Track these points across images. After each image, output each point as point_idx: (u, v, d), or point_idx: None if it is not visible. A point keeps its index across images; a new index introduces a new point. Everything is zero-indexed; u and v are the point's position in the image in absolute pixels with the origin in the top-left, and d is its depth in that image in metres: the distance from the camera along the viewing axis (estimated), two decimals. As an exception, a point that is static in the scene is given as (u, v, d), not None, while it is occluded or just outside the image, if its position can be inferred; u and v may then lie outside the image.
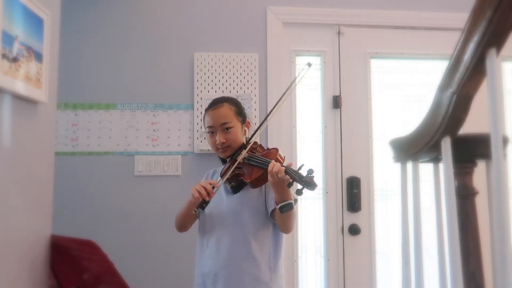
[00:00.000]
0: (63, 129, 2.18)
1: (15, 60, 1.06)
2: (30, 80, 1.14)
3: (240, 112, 1.56)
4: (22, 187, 1.16)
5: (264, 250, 1.47)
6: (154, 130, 2.21)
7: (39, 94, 1.20)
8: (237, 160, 1.46)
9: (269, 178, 1.32)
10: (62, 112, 2.18)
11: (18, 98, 1.12)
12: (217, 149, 1.53)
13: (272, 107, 1.56)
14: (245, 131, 1.56)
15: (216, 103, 1.55)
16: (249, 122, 1.60)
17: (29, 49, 1.14)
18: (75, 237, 1.30)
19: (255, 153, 1.50)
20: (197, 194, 1.39)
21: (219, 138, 1.49)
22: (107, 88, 2.22)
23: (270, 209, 1.47)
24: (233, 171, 1.45)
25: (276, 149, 1.48)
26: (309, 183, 1.25)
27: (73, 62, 2.19)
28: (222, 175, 1.51)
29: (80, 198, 2.14)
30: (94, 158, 2.18)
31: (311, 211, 2.29)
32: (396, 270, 2.28)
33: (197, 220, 1.59)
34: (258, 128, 1.56)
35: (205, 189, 1.38)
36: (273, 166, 1.31)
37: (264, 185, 1.48)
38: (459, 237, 0.78)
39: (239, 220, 1.48)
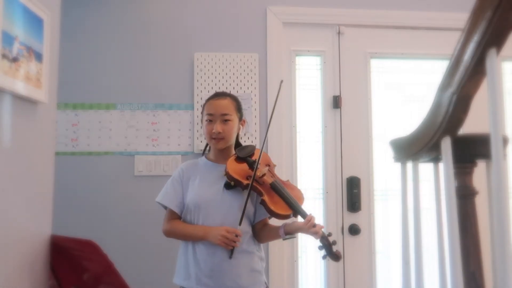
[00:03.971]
0: (63, 129, 2.18)
1: (15, 60, 1.06)
2: (30, 80, 1.14)
3: (239, 109, 1.62)
4: (22, 187, 1.16)
5: (254, 242, 1.56)
6: (154, 130, 2.21)
7: (39, 94, 1.20)
8: (255, 175, 1.48)
9: (303, 226, 1.45)
10: (62, 112, 2.18)
11: (18, 98, 1.12)
12: (212, 138, 1.55)
13: (270, 113, 1.59)
14: (239, 128, 1.62)
15: (220, 95, 1.62)
16: (244, 121, 1.66)
17: (29, 49, 1.14)
18: (75, 237, 1.30)
19: (276, 178, 1.55)
20: (229, 247, 1.44)
21: (217, 127, 1.53)
22: (107, 88, 2.22)
23: (259, 219, 1.56)
24: (252, 186, 1.47)
25: (301, 193, 1.58)
26: (336, 257, 1.44)
27: (73, 62, 2.19)
28: (230, 171, 1.50)
29: (80, 198, 2.14)
30: (94, 158, 2.18)
31: (311, 211, 2.28)
32: (396, 270, 2.28)
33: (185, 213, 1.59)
34: (264, 140, 1.62)
35: (233, 240, 1.44)
36: (318, 226, 1.46)
37: (255, 194, 1.53)
38: (459, 237, 0.78)
39: (235, 215, 1.49)
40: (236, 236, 1.43)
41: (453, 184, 0.80)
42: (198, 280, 1.49)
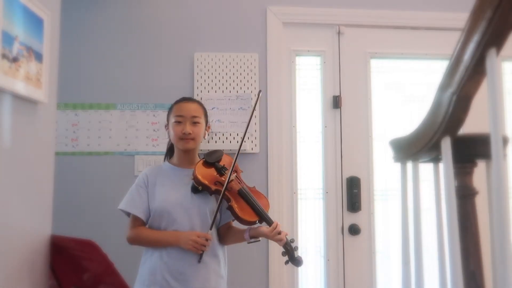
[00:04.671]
0: (63, 129, 2.18)
1: (15, 60, 1.06)
2: (30, 80, 1.14)
3: (206, 115, 1.65)
4: (22, 187, 1.16)
5: (221, 247, 1.58)
6: (154, 130, 2.21)
7: (39, 94, 1.20)
8: (224, 180, 1.51)
9: (269, 233, 1.48)
10: (62, 112, 2.17)
11: (18, 98, 1.12)
12: (181, 139, 1.55)
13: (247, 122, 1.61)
14: (205, 133, 1.64)
15: (188, 99, 1.65)
16: (209, 127, 1.69)
17: (29, 49, 1.14)
18: (75, 237, 1.30)
19: (243, 185, 1.58)
20: (199, 251, 1.45)
21: (187, 128, 1.54)
22: (107, 88, 2.22)
23: (224, 222, 1.59)
24: (222, 193, 1.49)
25: (267, 200, 1.61)
26: (298, 262, 1.51)
27: (73, 62, 2.19)
28: (199, 174, 1.50)
29: (80, 198, 2.14)
30: (94, 158, 2.18)
31: (311, 211, 2.29)
32: (396, 270, 2.28)
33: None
34: (241, 143, 1.60)
35: (204, 244, 1.45)
36: (282, 234, 1.49)
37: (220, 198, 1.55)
38: (459, 237, 0.78)
39: (205, 219, 1.51)
40: (207, 240, 1.45)
41: (453, 184, 0.81)
42: (167, 284, 1.47)
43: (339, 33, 2.34)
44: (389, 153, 1.06)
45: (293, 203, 2.25)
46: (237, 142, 2.18)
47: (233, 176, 1.54)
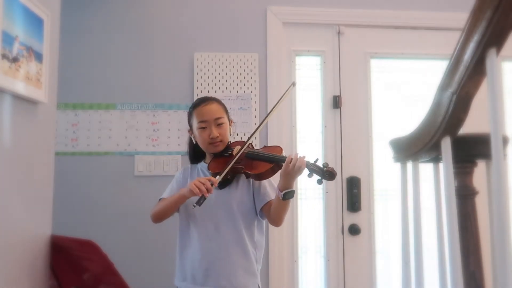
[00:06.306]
0: (63, 129, 2.18)
1: (15, 60, 1.06)
2: (30, 80, 1.14)
3: (226, 111, 1.62)
4: (22, 187, 1.16)
5: (252, 243, 1.53)
6: (154, 130, 2.21)
7: (39, 94, 1.20)
8: (234, 155, 1.50)
9: (287, 168, 1.38)
10: (62, 112, 2.17)
11: (18, 98, 1.12)
12: (210, 144, 1.53)
13: (270, 109, 1.61)
14: (229, 129, 1.61)
15: (206, 100, 1.58)
16: (231, 121, 1.65)
17: (29, 49, 1.14)
18: (75, 237, 1.30)
19: (253, 148, 1.58)
20: (197, 190, 1.38)
21: (214, 132, 1.52)
22: (107, 88, 2.22)
23: (261, 204, 1.52)
24: (232, 166, 1.48)
25: (281, 148, 1.56)
26: (330, 174, 1.40)
27: (73, 62, 2.19)
28: (211, 169, 1.52)
29: (80, 198, 2.14)
30: (94, 158, 2.18)
31: (311, 211, 2.29)
32: (396, 270, 2.28)
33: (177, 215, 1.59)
34: (258, 126, 1.60)
35: (205, 185, 1.38)
36: (295, 159, 1.38)
37: (251, 182, 1.54)
38: (459, 237, 0.78)
39: (231, 214, 1.50)
40: (212, 185, 1.39)
41: (453, 184, 0.81)
42: (193, 280, 1.49)
43: (339, 33, 2.34)
44: (389, 153, 1.06)
45: (293, 203, 2.25)
46: (237, 142, 2.18)
47: (238, 147, 1.54)
